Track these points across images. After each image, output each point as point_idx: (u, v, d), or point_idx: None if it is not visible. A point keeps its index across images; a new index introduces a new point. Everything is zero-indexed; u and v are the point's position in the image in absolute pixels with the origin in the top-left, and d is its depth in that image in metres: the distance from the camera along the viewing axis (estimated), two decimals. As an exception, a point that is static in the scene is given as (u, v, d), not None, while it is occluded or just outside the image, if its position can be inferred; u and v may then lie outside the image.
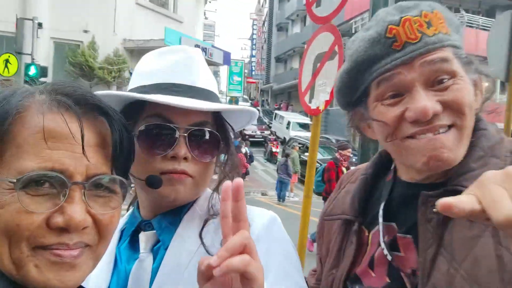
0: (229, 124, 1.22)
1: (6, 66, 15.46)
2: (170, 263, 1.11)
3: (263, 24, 68.67)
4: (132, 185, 1.13)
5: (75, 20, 19.80)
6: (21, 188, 0.73)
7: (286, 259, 1.14)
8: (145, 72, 1.18)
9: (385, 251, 1.10)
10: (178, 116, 1.09)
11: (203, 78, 1.17)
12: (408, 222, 1.09)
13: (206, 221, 1.14)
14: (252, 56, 72.05)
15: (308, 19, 41.98)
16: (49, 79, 16.46)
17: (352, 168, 1.47)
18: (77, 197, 0.77)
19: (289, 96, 48.13)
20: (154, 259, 1.14)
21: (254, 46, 71.69)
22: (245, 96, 45.58)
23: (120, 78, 20.47)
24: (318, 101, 3.54)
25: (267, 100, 57.08)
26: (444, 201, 0.69)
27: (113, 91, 1.11)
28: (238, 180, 0.82)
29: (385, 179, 1.24)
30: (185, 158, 1.09)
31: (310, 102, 3.68)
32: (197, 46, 22.51)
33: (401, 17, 1.03)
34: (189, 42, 22.07)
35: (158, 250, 1.15)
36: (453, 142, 1.00)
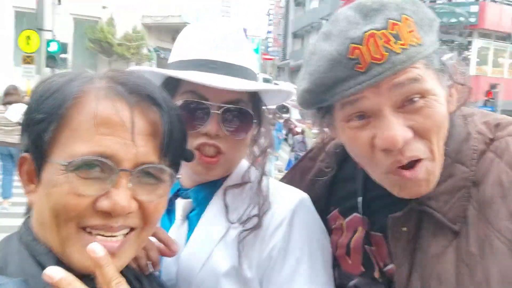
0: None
1: (27, 42, 15.72)
2: (202, 234, 1.15)
3: (281, -2, 67.56)
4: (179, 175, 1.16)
5: (94, -4, 19.89)
6: (72, 171, 0.76)
7: (307, 247, 1.13)
8: (184, 46, 1.18)
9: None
10: (213, 93, 1.09)
11: (241, 55, 1.16)
12: (380, 221, 1.11)
13: (226, 189, 1.18)
14: (268, 32, 71.11)
15: (326, -6, 41.11)
16: (69, 55, 16.71)
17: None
18: (124, 183, 0.78)
19: (306, 72, 47.20)
20: (189, 227, 1.19)
21: (270, 21, 70.70)
22: (267, 76, 41.62)
23: (138, 55, 20.60)
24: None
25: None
26: None
27: (149, 68, 1.14)
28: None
29: (354, 165, 1.18)
30: (218, 135, 1.11)
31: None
32: (214, 22, 22.51)
33: (364, 32, 0.91)
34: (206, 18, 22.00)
35: (193, 218, 1.20)
36: (427, 173, 0.98)
